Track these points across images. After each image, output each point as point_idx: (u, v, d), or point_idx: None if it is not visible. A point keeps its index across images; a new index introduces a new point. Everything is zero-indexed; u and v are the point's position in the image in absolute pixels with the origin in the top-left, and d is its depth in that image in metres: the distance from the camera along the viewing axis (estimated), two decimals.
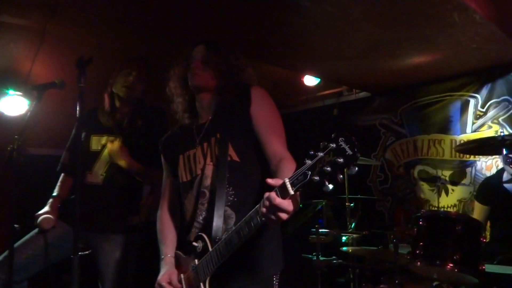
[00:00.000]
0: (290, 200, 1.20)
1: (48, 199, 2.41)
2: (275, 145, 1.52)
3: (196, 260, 1.54)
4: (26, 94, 3.52)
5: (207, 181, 1.60)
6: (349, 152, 1.08)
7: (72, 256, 1.58)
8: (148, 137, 2.39)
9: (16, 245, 2.17)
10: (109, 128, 2.42)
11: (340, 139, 1.10)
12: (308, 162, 1.14)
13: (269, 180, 1.24)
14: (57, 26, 2.90)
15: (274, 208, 1.19)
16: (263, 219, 1.25)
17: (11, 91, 3.59)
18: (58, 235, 2.28)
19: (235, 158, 1.57)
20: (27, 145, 1.93)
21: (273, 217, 1.21)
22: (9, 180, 2.02)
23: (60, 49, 3.27)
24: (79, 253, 2.32)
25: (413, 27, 2.78)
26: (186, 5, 2.54)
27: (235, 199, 1.55)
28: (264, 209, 1.22)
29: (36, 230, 2.29)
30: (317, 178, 1.11)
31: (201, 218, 1.60)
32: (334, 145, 1.11)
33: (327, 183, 1.11)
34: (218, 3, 2.53)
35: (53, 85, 2.02)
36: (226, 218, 1.52)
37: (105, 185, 2.35)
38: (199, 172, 1.64)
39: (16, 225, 1.95)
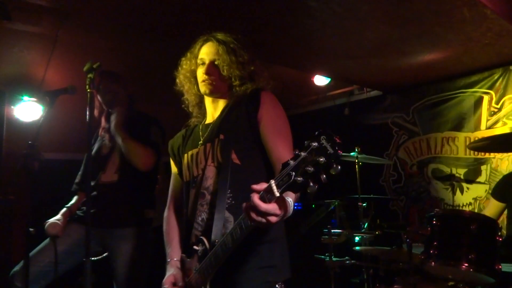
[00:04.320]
0: (275, 204, 1.18)
1: (62, 203, 2.47)
2: (281, 151, 1.50)
3: (198, 263, 1.53)
4: (40, 100, 3.59)
5: (207, 182, 1.59)
6: (330, 150, 1.05)
7: (84, 259, 1.61)
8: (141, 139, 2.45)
9: (33, 252, 2.22)
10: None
11: (322, 137, 1.07)
12: (292, 162, 1.12)
13: (254, 186, 1.22)
14: (68, 32, 2.95)
15: (260, 212, 1.18)
16: (252, 223, 1.24)
17: (25, 97, 3.67)
18: (74, 241, 2.32)
19: (236, 160, 1.55)
20: (42, 150, 1.96)
21: (262, 220, 1.20)
22: (24, 185, 2.06)
23: (72, 55, 3.32)
24: (95, 257, 2.40)
25: (422, 24, 2.75)
26: (193, 8, 2.56)
27: (233, 202, 1.53)
28: (251, 214, 1.20)
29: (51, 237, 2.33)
30: (300, 179, 1.09)
31: (199, 219, 1.59)
32: (316, 144, 1.07)
33: (311, 183, 1.08)
34: (225, 6, 2.54)
35: (65, 90, 2.06)
36: (224, 222, 1.50)
37: (120, 182, 2.41)
38: (200, 172, 1.63)
39: (31, 229, 1.98)
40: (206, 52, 1.67)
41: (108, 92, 2.47)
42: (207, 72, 1.63)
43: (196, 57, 1.70)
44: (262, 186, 1.20)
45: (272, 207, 1.18)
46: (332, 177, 1.08)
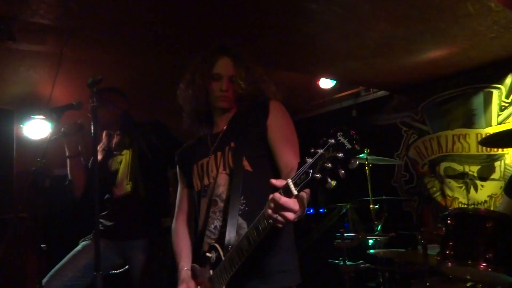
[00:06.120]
0: (295, 200, 1.20)
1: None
2: (288, 156, 1.52)
3: (211, 271, 1.54)
4: (47, 117, 3.63)
5: (219, 190, 1.62)
6: (348, 146, 1.07)
7: (95, 273, 1.60)
8: (145, 149, 2.46)
9: (57, 267, 2.26)
10: (117, 148, 2.54)
11: (339, 133, 1.10)
12: (309, 160, 1.13)
13: (273, 180, 1.24)
14: (73, 49, 2.98)
15: (280, 208, 1.19)
16: (270, 221, 1.25)
17: (33, 116, 3.71)
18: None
19: (248, 167, 1.58)
20: (53, 166, 1.98)
21: (279, 217, 1.21)
22: (35, 202, 2.07)
23: (78, 71, 3.35)
24: (117, 270, 2.41)
25: (426, 21, 2.72)
26: (195, 18, 2.57)
27: (246, 208, 1.55)
28: (269, 211, 1.22)
29: (73, 252, 2.36)
30: (319, 175, 1.10)
31: (212, 227, 1.61)
32: (333, 141, 1.10)
33: (329, 179, 1.10)
34: (226, 15, 2.55)
35: (70, 106, 2.10)
36: (237, 228, 1.52)
37: (133, 193, 2.43)
38: (211, 180, 1.66)
39: (43, 245, 2.00)
40: (222, 67, 1.69)
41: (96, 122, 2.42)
42: (225, 88, 1.67)
43: (209, 70, 1.70)
44: (282, 182, 1.21)
45: (291, 201, 1.19)
46: (343, 180, 1.09)
